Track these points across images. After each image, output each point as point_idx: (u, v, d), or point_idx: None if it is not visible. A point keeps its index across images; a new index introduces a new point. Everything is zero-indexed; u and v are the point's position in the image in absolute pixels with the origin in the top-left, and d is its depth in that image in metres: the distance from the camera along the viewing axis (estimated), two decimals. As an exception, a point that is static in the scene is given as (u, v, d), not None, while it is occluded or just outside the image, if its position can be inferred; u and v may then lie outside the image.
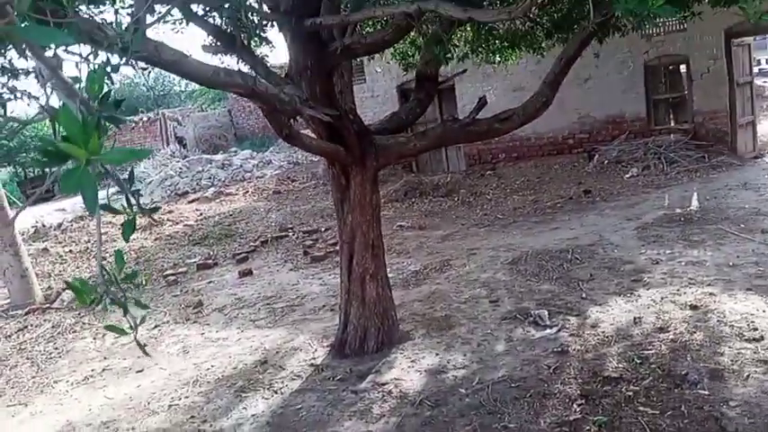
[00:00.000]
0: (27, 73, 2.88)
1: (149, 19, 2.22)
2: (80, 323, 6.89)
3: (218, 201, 13.80)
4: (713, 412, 3.48)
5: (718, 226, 7.00)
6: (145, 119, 22.68)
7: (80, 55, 1.72)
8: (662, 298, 5.21)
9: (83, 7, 2.62)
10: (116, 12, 3.43)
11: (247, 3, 4.79)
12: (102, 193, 1.05)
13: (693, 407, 3.57)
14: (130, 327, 1.11)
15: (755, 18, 2.03)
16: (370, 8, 3.83)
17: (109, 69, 1.39)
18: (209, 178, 16.37)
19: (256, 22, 5.07)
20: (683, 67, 11.88)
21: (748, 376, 3.82)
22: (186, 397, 4.73)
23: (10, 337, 6.81)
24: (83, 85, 1.25)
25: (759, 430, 3.29)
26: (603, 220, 8.09)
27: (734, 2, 3.55)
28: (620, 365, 4.17)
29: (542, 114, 5.14)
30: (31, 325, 7.05)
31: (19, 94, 3.69)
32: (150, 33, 2.37)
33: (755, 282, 5.27)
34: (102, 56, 1.93)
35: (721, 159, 10.28)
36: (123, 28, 1.79)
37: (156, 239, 10.68)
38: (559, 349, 4.54)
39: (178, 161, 18.12)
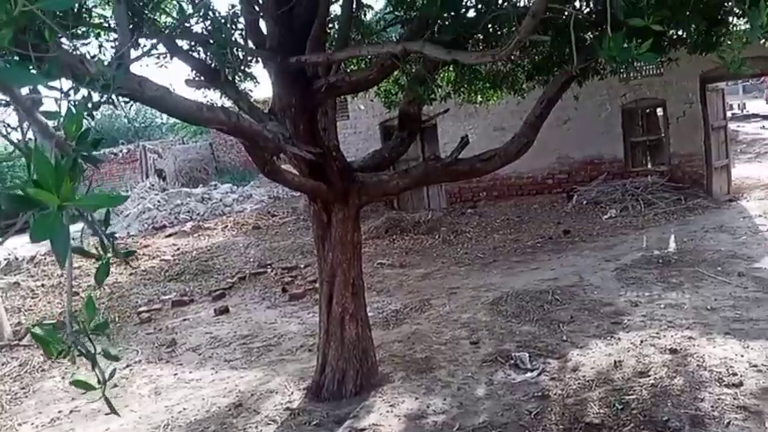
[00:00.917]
0: (6, 104, 2.82)
1: (134, 53, 2.19)
2: (48, 362, 6.65)
3: (196, 235, 13.62)
4: (697, 460, 3.43)
5: (695, 268, 7.05)
6: (125, 150, 22.52)
7: (60, 90, 1.67)
8: (642, 341, 5.19)
9: (64, 40, 2.58)
10: (100, 45, 3.40)
11: (233, 39, 4.80)
12: (73, 228, 0.99)
13: (677, 455, 3.51)
14: (98, 381, 1.04)
15: (734, 67, 2.06)
16: (356, 47, 3.84)
17: (90, 106, 1.34)
18: (188, 212, 16.20)
19: (241, 57, 5.07)
20: (659, 111, 12.17)
21: (729, 423, 3.78)
22: (156, 440, 4.55)
23: (-26, 374, 6.54)
24: (61, 120, 1.20)
25: (743, 480, 3.24)
26: (583, 261, 8.12)
27: (711, 49, 3.63)
28: (601, 411, 4.11)
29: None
30: (-3, 362, 6.80)
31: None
32: (133, 67, 2.33)
33: (733, 326, 5.29)
34: (83, 90, 1.88)
35: (697, 202, 10.46)
36: (106, 63, 1.75)
37: (131, 274, 10.46)
38: (540, 394, 4.47)
39: (157, 194, 17.93)
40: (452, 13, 3.58)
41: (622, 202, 10.87)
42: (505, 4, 4.55)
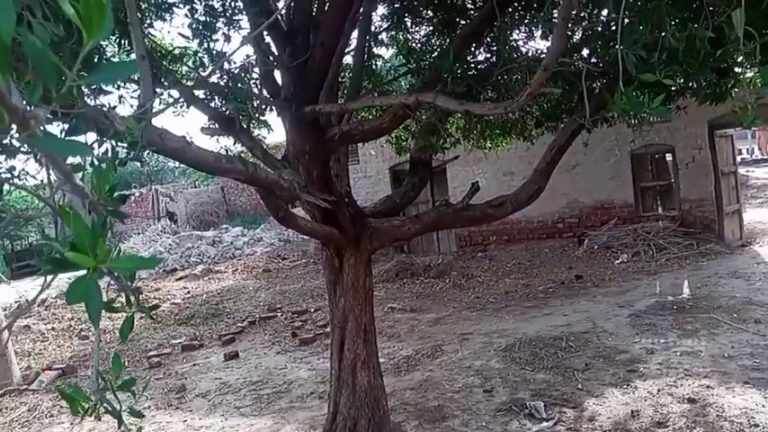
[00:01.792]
0: (27, 152, 2.89)
1: (155, 106, 2.25)
2: (57, 406, 6.59)
3: (206, 278, 13.64)
4: None
5: (710, 315, 6.96)
6: (137, 194, 22.78)
7: (85, 144, 1.71)
8: (659, 390, 5.09)
9: (87, 91, 2.66)
10: (120, 98, 3.49)
11: (248, 89, 4.92)
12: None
13: None
14: (123, 438, 1.05)
15: (747, 121, 2.08)
16: (369, 98, 3.93)
17: (117, 162, 1.39)
18: (199, 255, 16.27)
19: (256, 106, 5.19)
20: (668, 156, 12.22)
21: (753, 477, 3.68)
22: (164, 490, 4.47)
23: (-19, 420, 6.50)
24: (89, 176, 1.23)
25: None
26: (596, 307, 8.04)
27: (721, 100, 3.68)
28: (620, 463, 4.01)
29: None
30: (6, 408, 6.74)
31: (16, 173, 3.68)
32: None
33: (752, 374, 5.19)
34: (107, 144, 1.93)
35: (710, 247, 10.39)
36: (129, 116, 1.80)
37: (141, 318, 10.44)
38: (557, 444, 4.38)
39: (168, 237, 18.05)
40: (464, 66, 3.66)
41: (634, 247, 10.81)
42: (515, 55, 4.66)
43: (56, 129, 1.95)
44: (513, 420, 4.89)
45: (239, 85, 4.43)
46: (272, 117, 5.72)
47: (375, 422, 4.83)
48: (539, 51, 5.28)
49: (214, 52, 4.54)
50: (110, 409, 0.97)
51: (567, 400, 5.12)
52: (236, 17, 4.99)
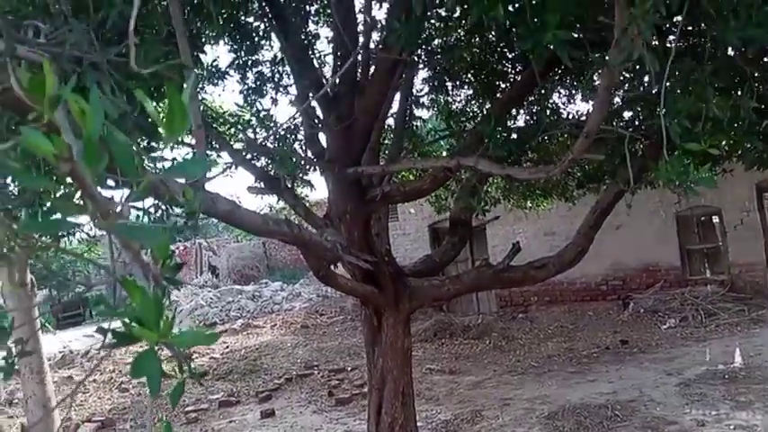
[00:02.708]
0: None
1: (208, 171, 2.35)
2: (94, 460, 6.63)
3: (245, 333, 13.70)
4: None
5: (765, 386, 6.61)
6: (181, 248, 23.29)
7: (143, 209, 1.79)
8: (713, 466, 4.83)
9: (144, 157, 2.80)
10: (173, 160, 3.64)
11: (293, 150, 5.08)
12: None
13: None
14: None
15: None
16: (411, 160, 4.00)
17: (176, 231, 1.46)
18: (239, 309, 16.41)
19: (300, 166, 5.34)
20: (715, 218, 11.92)
21: None
22: None
23: (21, 471, 6.55)
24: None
25: None
26: (643, 374, 7.73)
27: (767, 165, 3.62)
28: None
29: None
30: (45, 459, 6.80)
31: (72, 230, 3.83)
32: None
33: (814, 453, 4.88)
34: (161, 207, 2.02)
35: (762, 314, 9.96)
36: (186, 184, 1.89)
37: (185, 378, 10.49)
38: None
39: (209, 291, 18.30)
40: (505, 131, 3.72)
41: (681, 312, 10.45)
42: (556, 118, 4.71)
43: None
44: (557, 493, 4.68)
45: (285, 147, 4.58)
46: (315, 176, 5.86)
47: (412, 490, 4.69)
48: (579, 113, 5.32)
49: (263, 116, 4.72)
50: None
51: (614, 474, 4.88)
52: (284, 82, 5.22)
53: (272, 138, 4.97)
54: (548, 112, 4.77)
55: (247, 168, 4.60)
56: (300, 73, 4.37)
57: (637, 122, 4.72)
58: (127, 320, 0.81)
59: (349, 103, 4.36)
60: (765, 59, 2.83)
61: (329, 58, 5.10)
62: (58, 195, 1.18)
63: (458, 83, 5.68)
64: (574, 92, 5.54)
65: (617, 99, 4.70)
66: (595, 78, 4.09)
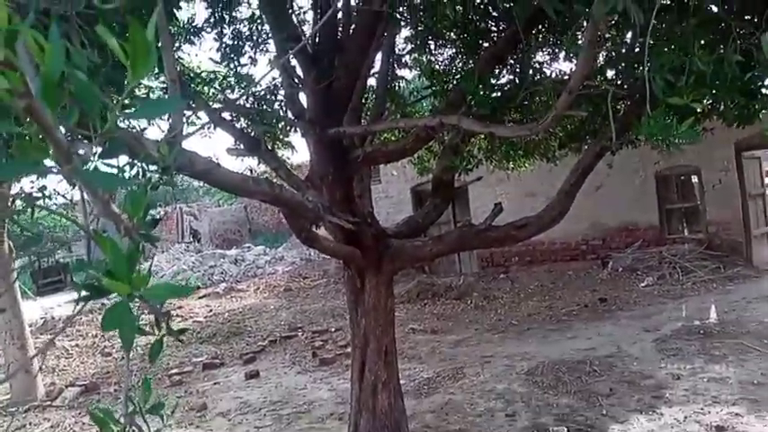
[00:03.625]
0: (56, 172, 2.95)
1: (185, 129, 2.29)
2: (80, 423, 6.65)
3: (228, 297, 13.72)
4: None
5: (739, 340, 6.80)
6: (162, 213, 23.06)
7: (117, 167, 1.74)
8: (685, 417, 4.98)
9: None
10: (149, 120, 3.56)
11: (274, 110, 4.99)
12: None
13: None
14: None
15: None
16: (393, 120, 3.95)
17: (149, 187, 1.42)
18: (221, 273, 16.39)
19: (281, 127, 5.25)
20: (694, 177, 12.04)
21: None
22: None
23: (6, 435, 6.57)
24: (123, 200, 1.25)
25: None
26: (620, 330, 7.90)
27: (749, 122, 3.63)
28: (647, 493, 3.91)
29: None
30: (30, 423, 6.82)
31: (47, 193, 3.75)
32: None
33: (784, 403, 5.05)
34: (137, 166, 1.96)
35: (737, 271, 10.18)
36: (161, 140, 1.83)
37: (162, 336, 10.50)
38: (581, 472, 4.29)
39: (191, 255, 18.23)
40: (488, 88, 3.67)
41: (659, 270, 10.64)
42: (539, 77, 4.66)
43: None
44: (537, 446, 4.81)
45: (265, 107, 4.49)
46: (296, 138, 5.78)
47: (396, 445, 4.78)
48: (562, 72, 5.28)
49: (241, 74, 4.61)
50: (139, 432, 0.98)
51: (592, 426, 5.02)
52: (262, 40, 5.09)
53: (251, 98, 4.87)
54: (531, 70, 4.71)
55: (226, 129, 4.52)
56: (279, 30, 4.26)
57: (619, 81, 4.69)
58: (98, 275, 0.79)
59: (329, 62, 4.28)
60: (748, 14, 2.80)
61: (309, 16, 4.98)
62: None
63: (441, 41, 5.59)
64: (557, 50, 5.48)
65: (600, 58, 4.66)
66: (579, 36, 4.03)
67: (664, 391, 5.60)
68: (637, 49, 3.53)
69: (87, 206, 1.27)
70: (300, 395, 6.90)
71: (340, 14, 4.32)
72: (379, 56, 4.86)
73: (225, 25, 4.80)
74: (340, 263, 5.46)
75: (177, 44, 4.64)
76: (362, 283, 4.93)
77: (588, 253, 12.47)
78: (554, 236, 12.21)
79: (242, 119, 5.08)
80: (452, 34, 5.38)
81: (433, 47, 5.66)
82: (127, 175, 1.84)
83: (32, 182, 4.79)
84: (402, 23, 5.14)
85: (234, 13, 4.91)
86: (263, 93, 5.02)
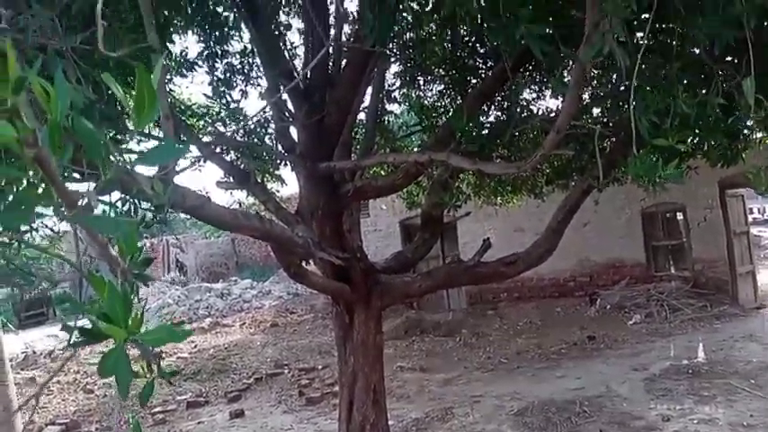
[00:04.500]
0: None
1: (177, 164, 2.30)
2: (57, 462, 6.46)
3: (214, 332, 13.53)
4: None
5: (727, 380, 6.77)
6: (147, 244, 22.87)
7: (109, 203, 1.74)
8: (677, 459, 4.93)
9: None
10: (140, 152, 3.56)
11: (264, 144, 5.01)
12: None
13: None
14: None
15: (762, 187, 2.09)
16: (383, 155, 3.98)
17: (144, 225, 1.41)
18: (207, 308, 16.19)
19: (271, 161, 5.26)
20: (680, 215, 12.17)
21: None
22: None
23: (-20, 475, 6.35)
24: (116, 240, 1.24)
25: None
26: (609, 369, 7.86)
27: (732, 162, 3.70)
28: None
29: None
30: (6, 462, 6.61)
31: (35, 226, 3.72)
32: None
33: (775, 444, 5.02)
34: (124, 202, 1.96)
35: (724, 309, 10.21)
36: (154, 177, 1.83)
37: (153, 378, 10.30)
38: None
39: (177, 289, 18.02)
40: (477, 125, 3.73)
41: (647, 308, 10.65)
42: (527, 114, 4.74)
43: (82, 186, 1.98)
44: (527, 487, 4.72)
45: (256, 141, 4.51)
46: (286, 171, 5.79)
47: (384, 487, 4.68)
48: (549, 109, 5.37)
49: (232, 109, 4.65)
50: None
51: (582, 467, 4.95)
52: (254, 74, 5.14)
53: (241, 131, 4.89)
54: (518, 107, 4.79)
55: (216, 162, 4.52)
56: (271, 65, 4.31)
57: (605, 119, 4.78)
58: (94, 317, 0.78)
59: (320, 97, 4.32)
60: (730, 57, 2.88)
61: (300, 51, 5.05)
62: (22, 186, 1.13)
63: (429, 77, 5.68)
64: (544, 88, 5.58)
65: (586, 96, 4.75)
66: (566, 75, 4.12)
67: (654, 433, 5.55)
68: (622, 89, 3.61)
69: (80, 243, 1.26)
70: (286, 434, 6.76)
71: (331, 50, 4.39)
72: (369, 90, 4.92)
73: (217, 59, 4.85)
74: (328, 298, 5.42)
75: (168, 76, 4.67)
76: (351, 319, 4.89)
77: (576, 289, 12.48)
78: (542, 272, 12.23)
79: (232, 151, 5.10)
80: (441, 70, 5.48)
81: (422, 82, 5.76)
82: (119, 210, 1.84)
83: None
84: (392, 59, 5.23)
85: (226, 47, 4.97)
86: (253, 126, 5.05)
